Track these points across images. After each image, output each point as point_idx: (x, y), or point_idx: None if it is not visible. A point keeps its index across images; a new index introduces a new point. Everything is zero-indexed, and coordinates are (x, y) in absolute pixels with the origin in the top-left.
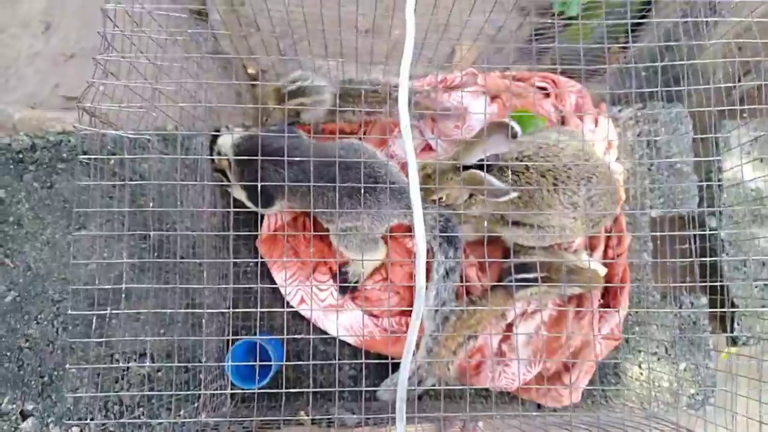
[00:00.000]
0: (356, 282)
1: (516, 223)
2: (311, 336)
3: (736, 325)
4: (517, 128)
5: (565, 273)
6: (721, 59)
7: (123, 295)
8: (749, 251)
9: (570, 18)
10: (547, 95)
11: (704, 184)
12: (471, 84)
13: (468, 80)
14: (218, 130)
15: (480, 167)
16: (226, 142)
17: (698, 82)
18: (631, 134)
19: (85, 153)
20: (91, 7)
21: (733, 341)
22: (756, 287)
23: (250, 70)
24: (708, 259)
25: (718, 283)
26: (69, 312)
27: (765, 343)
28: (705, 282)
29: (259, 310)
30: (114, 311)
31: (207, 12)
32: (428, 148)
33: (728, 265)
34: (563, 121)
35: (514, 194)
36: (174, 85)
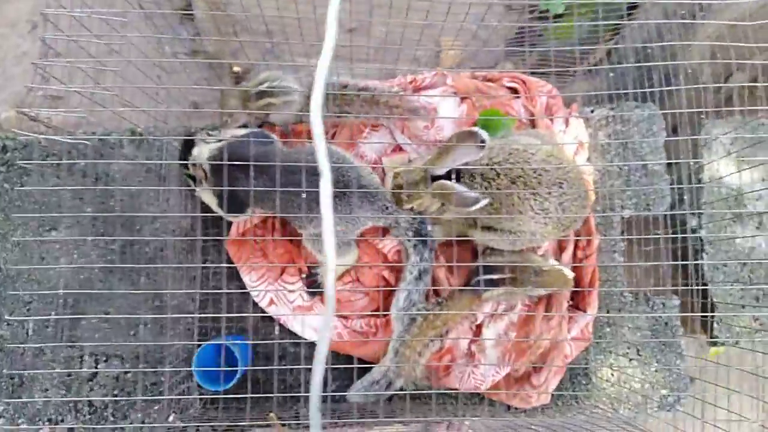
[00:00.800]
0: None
1: (488, 228)
2: (254, 340)
3: (715, 325)
4: (485, 136)
5: (532, 275)
6: (684, 61)
7: (62, 300)
8: (729, 251)
9: (557, 16)
10: (517, 96)
11: (679, 186)
12: (440, 85)
13: (437, 81)
14: (193, 133)
15: (450, 175)
16: (202, 153)
17: (681, 82)
18: (603, 135)
19: (47, 156)
20: (76, 8)
21: (713, 342)
22: (735, 287)
23: (236, 69)
24: (679, 261)
25: (699, 287)
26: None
27: (741, 343)
28: (676, 284)
29: (206, 314)
30: (56, 317)
31: (194, 16)
32: (398, 149)
33: (708, 266)
34: (533, 122)
35: (484, 202)
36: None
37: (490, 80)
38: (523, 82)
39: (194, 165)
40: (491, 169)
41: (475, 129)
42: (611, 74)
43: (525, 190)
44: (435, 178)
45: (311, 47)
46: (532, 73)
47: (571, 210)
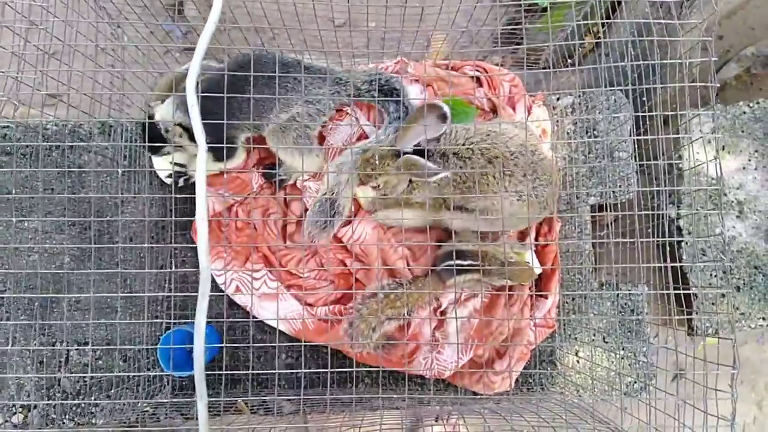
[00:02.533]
0: (286, 178)
1: (459, 208)
2: (219, 328)
3: (694, 314)
4: (447, 110)
5: (497, 265)
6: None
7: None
8: (708, 240)
9: (544, 9)
10: (480, 84)
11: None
12: (402, 72)
13: (399, 69)
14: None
15: (421, 153)
16: (164, 111)
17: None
18: (569, 122)
19: (20, 148)
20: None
21: (693, 330)
22: (714, 276)
23: None
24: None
25: (667, 264)
26: None
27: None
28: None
29: (164, 295)
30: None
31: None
32: (364, 136)
33: (687, 255)
34: (495, 110)
35: (445, 173)
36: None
37: (452, 68)
38: (485, 70)
39: (167, 131)
40: (467, 148)
41: (437, 101)
42: (597, 66)
43: (501, 170)
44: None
45: (302, 42)
46: (522, 67)
47: (542, 197)
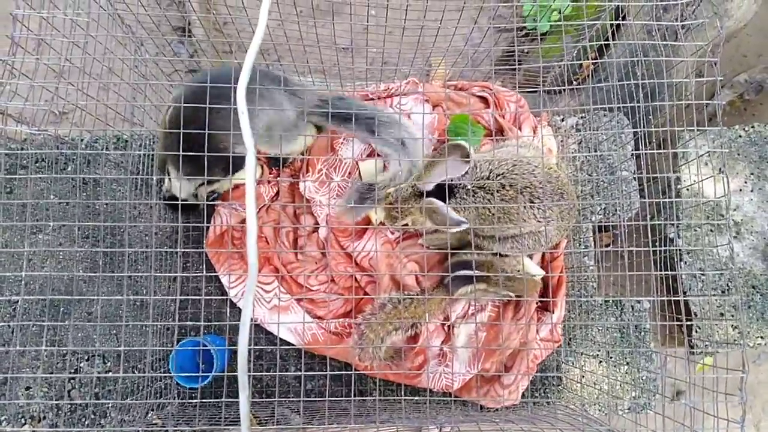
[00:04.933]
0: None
1: (491, 237)
2: (231, 340)
3: (694, 333)
4: (468, 147)
5: (504, 278)
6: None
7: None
8: (707, 260)
9: (543, 35)
10: (487, 105)
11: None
12: (412, 93)
13: (409, 89)
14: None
15: (443, 190)
16: (184, 189)
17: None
18: (573, 142)
19: (36, 162)
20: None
21: (693, 349)
22: (714, 295)
23: None
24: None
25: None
26: None
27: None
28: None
29: (184, 313)
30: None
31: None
32: (374, 153)
33: (686, 275)
34: (501, 130)
35: (465, 226)
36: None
37: (460, 89)
38: (492, 90)
39: (196, 197)
40: (494, 181)
41: (461, 142)
42: (603, 86)
43: (531, 201)
44: (428, 195)
45: (304, 65)
46: (521, 91)
47: (568, 219)
